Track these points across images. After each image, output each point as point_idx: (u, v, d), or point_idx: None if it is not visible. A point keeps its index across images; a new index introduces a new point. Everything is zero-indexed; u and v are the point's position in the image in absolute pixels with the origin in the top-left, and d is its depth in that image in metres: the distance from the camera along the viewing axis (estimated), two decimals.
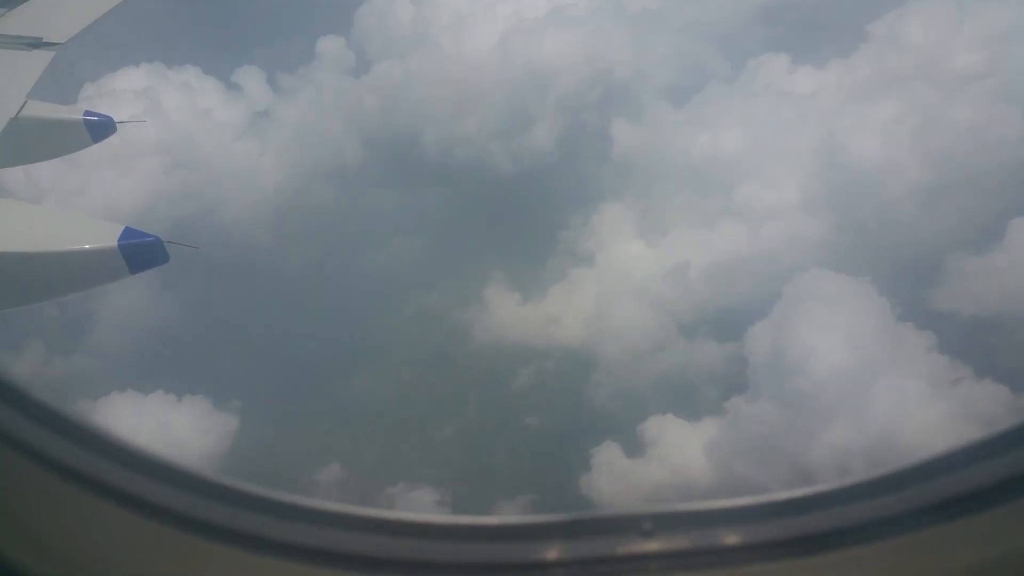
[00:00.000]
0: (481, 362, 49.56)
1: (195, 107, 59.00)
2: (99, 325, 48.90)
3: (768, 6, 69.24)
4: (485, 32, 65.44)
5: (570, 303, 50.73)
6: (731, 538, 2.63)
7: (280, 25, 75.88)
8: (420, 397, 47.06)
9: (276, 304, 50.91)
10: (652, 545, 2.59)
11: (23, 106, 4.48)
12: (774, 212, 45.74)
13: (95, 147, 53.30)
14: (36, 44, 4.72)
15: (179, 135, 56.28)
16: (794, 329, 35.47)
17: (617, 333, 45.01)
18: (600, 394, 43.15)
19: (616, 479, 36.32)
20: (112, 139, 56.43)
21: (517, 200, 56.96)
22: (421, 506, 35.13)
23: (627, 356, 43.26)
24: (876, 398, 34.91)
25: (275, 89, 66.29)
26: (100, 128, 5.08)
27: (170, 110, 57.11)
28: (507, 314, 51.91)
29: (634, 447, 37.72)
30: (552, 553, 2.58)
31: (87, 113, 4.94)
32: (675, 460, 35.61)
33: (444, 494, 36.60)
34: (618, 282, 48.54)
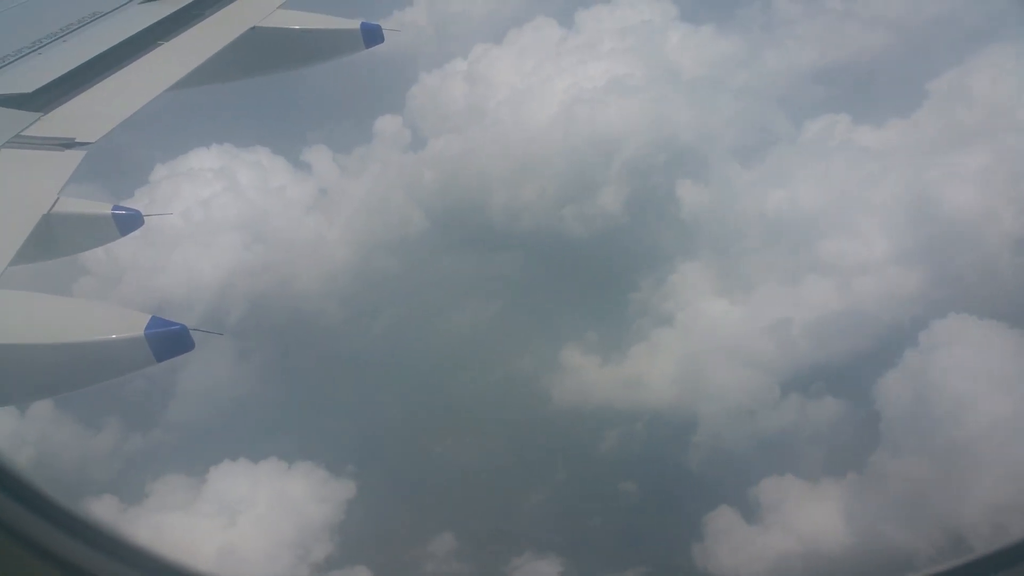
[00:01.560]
0: (564, 426, 48.59)
1: (267, 185, 60.12)
2: (178, 397, 48.81)
3: (820, 69, 70.18)
4: (544, 104, 66.65)
5: (654, 364, 49.93)
6: None
7: (335, 107, 77.72)
8: (507, 464, 46.01)
9: (355, 373, 50.45)
10: None
11: (55, 203, 4.54)
12: (864, 266, 45.17)
13: (182, 225, 54.19)
14: (68, 144, 4.84)
15: (254, 211, 57.21)
16: (934, 378, 34.16)
17: (712, 393, 44.02)
18: (701, 456, 41.89)
19: (736, 548, 34.63)
20: (193, 216, 57.36)
21: (589, 263, 56.90)
22: None
23: (727, 416, 42.17)
24: None
25: (339, 167, 67.60)
26: (128, 221, 5.21)
27: (244, 187, 58.20)
28: (587, 377, 51.11)
29: (751, 512, 36.17)
30: None
31: (115, 208, 5.14)
32: (802, 525, 33.84)
33: (567, 565, 35.08)
34: (705, 341, 47.79)
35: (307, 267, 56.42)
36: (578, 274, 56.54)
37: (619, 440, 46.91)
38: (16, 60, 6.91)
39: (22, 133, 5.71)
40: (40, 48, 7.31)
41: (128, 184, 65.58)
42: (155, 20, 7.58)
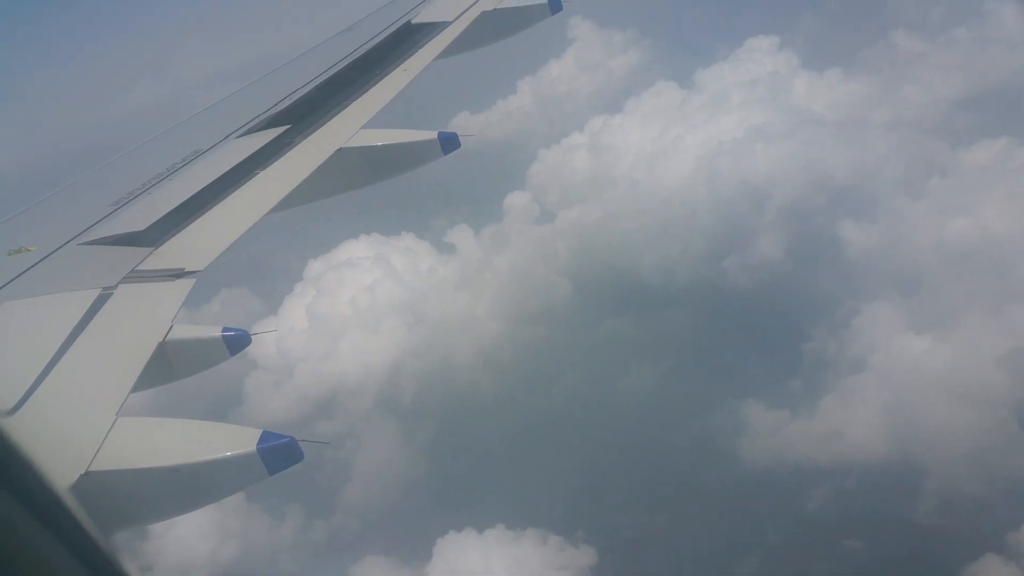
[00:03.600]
0: (763, 488, 45.28)
1: (417, 268, 60.57)
2: (355, 481, 48.13)
3: (964, 97, 67.63)
4: (680, 162, 65.87)
5: (852, 414, 46.46)
6: None
7: (463, 192, 78.71)
8: (715, 529, 42.86)
9: (535, 442, 48.69)
10: None
11: (169, 331, 3.98)
12: None
13: (347, 313, 54.61)
14: (179, 274, 4.40)
15: (410, 294, 57.50)
16: None
17: (936, 436, 40.29)
18: (940, 505, 37.98)
19: None
20: (355, 302, 57.55)
21: (757, 314, 54.25)
22: None
23: (963, 459, 38.30)
24: None
25: (480, 245, 67.83)
26: (237, 342, 4.57)
27: (398, 272, 58.71)
28: (777, 434, 47.95)
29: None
30: None
31: (225, 329, 4.39)
32: None
33: None
34: (912, 382, 44.19)
35: (465, 343, 55.83)
36: (747, 326, 53.89)
37: (830, 497, 43.37)
38: (129, 202, 7.33)
39: (137, 268, 6.01)
40: (149, 188, 7.61)
41: (282, 283, 67.67)
42: (251, 152, 7.70)
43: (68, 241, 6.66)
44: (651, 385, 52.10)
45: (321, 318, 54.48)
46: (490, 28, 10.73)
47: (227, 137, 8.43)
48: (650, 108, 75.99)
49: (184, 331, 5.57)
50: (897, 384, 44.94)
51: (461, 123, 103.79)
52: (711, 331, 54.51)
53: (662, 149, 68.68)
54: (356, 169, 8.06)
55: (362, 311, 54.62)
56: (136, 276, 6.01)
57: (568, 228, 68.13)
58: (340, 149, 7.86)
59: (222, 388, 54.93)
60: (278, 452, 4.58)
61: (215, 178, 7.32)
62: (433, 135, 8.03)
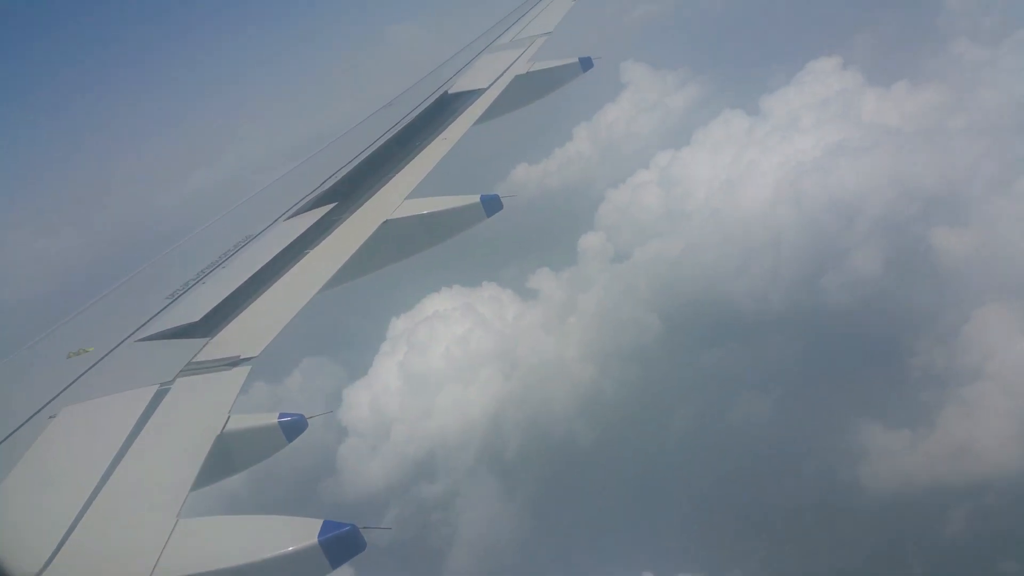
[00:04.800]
0: (893, 514, 43.08)
1: (504, 315, 60.56)
2: (461, 546, 47.44)
3: None
4: (759, 186, 64.84)
5: (977, 426, 44.25)
6: None
7: (535, 239, 78.96)
8: (857, 561, 40.87)
9: (655, 483, 47.46)
10: None
11: (226, 423, 3.63)
12: None
13: (442, 367, 54.63)
14: (234, 363, 4.11)
15: (502, 342, 57.40)
16: None
17: None
18: None
19: None
20: (448, 355, 57.56)
21: (860, 332, 52.50)
22: None
23: None
24: None
25: (561, 288, 67.63)
26: (294, 427, 4.28)
27: (486, 322, 58.73)
28: (899, 456, 45.83)
29: None
30: None
31: (281, 415, 4.08)
32: None
33: None
34: None
35: (562, 388, 55.20)
36: (852, 346, 52.13)
37: (971, 517, 41.10)
38: (184, 293, 7.31)
39: (193, 360, 5.98)
40: (203, 277, 7.61)
41: (363, 347, 68.37)
42: (300, 232, 7.83)
43: (126, 338, 6.76)
44: (761, 416, 50.57)
45: (415, 374, 54.62)
46: (525, 90, 10.95)
47: (276, 220, 8.59)
48: (718, 138, 75.69)
49: (241, 421, 5.49)
50: (1021, 388, 42.79)
51: (520, 175, 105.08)
52: (816, 354, 52.87)
53: (738, 176, 68.05)
54: (405, 239, 8.17)
55: (456, 363, 54.67)
56: (193, 368, 6.03)
57: (649, 263, 67.51)
58: (387, 221, 7.98)
59: (313, 460, 55.30)
60: (340, 543, 4.44)
61: (266, 262, 7.44)
62: (476, 199, 8.07)
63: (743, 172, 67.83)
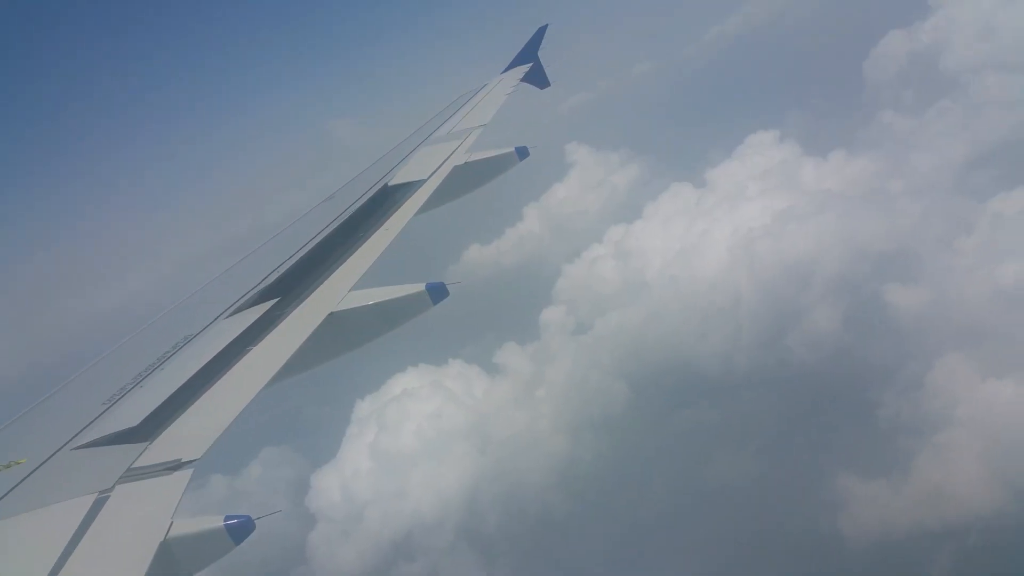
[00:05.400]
0: (879, 561, 43.37)
1: (475, 391, 60.13)
2: None
3: (971, 158, 69.87)
4: (713, 254, 66.69)
5: (951, 469, 45.11)
6: None
7: (497, 315, 79.38)
8: None
9: (629, 547, 46.77)
10: None
11: (169, 528, 4.44)
12: None
13: (413, 446, 53.54)
14: (176, 466, 4.83)
15: (473, 417, 56.73)
16: None
17: None
18: None
19: None
20: (417, 435, 56.73)
21: (826, 387, 53.71)
22: None
23: None
24: None
25: (528, 363, 67.73)
26: (240, 529, 4.97)
27: (458, 396, 58.15)
28: (877, 505, 46.20)
29: None
30: None
31: (227, 518, 4.81)
32: None
33: None
34: (1005, 426, 43.43)
35: (538, 461, 54.62)
36: (819, 401, 53.21)
37: (956, 560, 41.54)
38: (121, 397, 7.05)
39: (133, 466, 5.77)
40: (141, 381, 7.44)
41: (326, 432, 66.81)
42: (241, 330, 7.71)
43: (60, 447, 6.50)
44: (737, 475, 50.76)
45: (386, 454, 53.40)
46: (465, 180, 11.37)
47: (216, 318, 8.47)
48: (669, 210, 78.22)
49: (185, 527, 5.36)
50: (991, 431, 44.03)
51: (473, 256, 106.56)
52: (786, 411, 53.72)
53: (692, 245, 70.06)
54: (351, 331, 8.17)
55: (429, 441, 53.72)
56: (133, 474, 5.83)
57: (612, 333, 68.20)
58: (331, 313, 7.96)
59: (282, 550, 53.14)
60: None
61: (206, 362, 7.27)
62: (421, 287, 8.17)
63: (697, 241, 69.97)
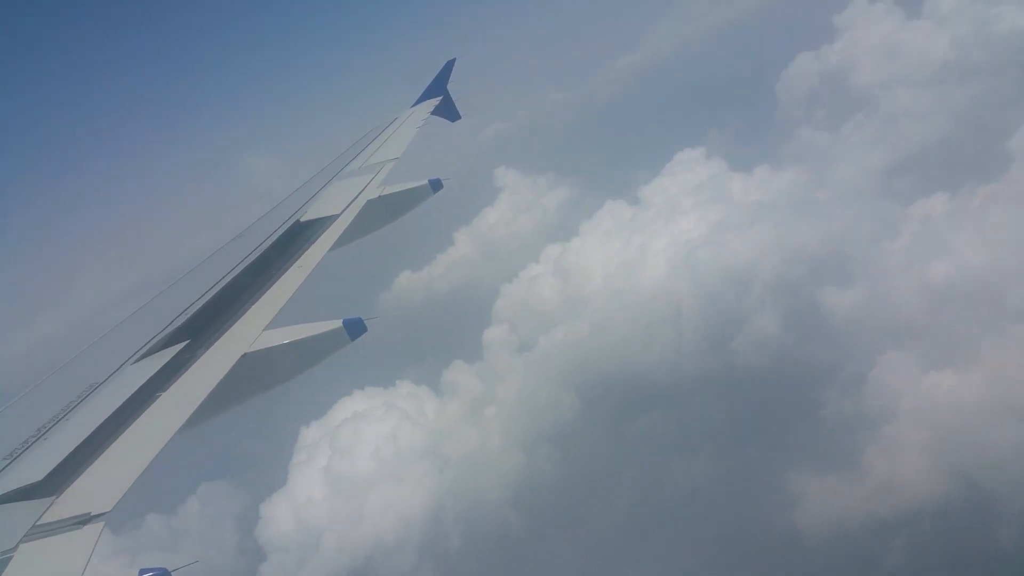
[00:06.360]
0: (837, 552, 44.43)
1: (426, 411, 59.23)
2: None
3: (890, 166, 73.57)
4: (651, 266, 68.06)
5: (900, 461, 46.67)
6: None
7: (435, 342, 78.55)
8: None
9: (600, 554, 46.61)
10: None
11: None
12: None
13: (365, 469, 51.90)
14: (85, 520, 5.32)
15: (428, 437, 55.84)
16: None
17: (992, 461, 41.04)
18: (1021, 527, 38.15)
19: None
20: (362, 462, 55.10)
21: (773, 387, 55.15)
22: None
23: None
24: None
25: (476, 381, 67.15)
26: None
27: (412, 415, 57.20)
28: (829, 501, 47.50)
29: None
30: None
31: (142, 571, 5.43)
32: None
33: None
34: (949, 415, 45.40)
35: (495, 477, 54.04)
36: (766, 402, 54.57)
37: (912, 546, 42.93)
38: (24, 451, 6.78)
39: (38, 523, 5.63)
40: (45, 433, 7.17)
41: (271, 466, 64.42)
42: (150, 375, 7.59)
43: None
44: (694, 478, 51.41)
45: (341, 478, 51.82)
46: (378, 213, 11.43)
47: (123, 365, 8.15)
48: (605, 227, 79.45)
49: None
50: (936, 421, 45.91)
51: (404, 283, 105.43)
52: (735, 413, 54.88)
53: (631, 258, 71.26)
54: (267, 371, 8.01)
55: (386, 462, 52.45)
56: (38, 531, 5.60)
57: (558, 348, 68.40)
58: (245, 354, 7.75)
59: None
60: None
61: (113, 410, 6.99)
62: (338, 323, 8.10)
63: (636, 255, 71.23)
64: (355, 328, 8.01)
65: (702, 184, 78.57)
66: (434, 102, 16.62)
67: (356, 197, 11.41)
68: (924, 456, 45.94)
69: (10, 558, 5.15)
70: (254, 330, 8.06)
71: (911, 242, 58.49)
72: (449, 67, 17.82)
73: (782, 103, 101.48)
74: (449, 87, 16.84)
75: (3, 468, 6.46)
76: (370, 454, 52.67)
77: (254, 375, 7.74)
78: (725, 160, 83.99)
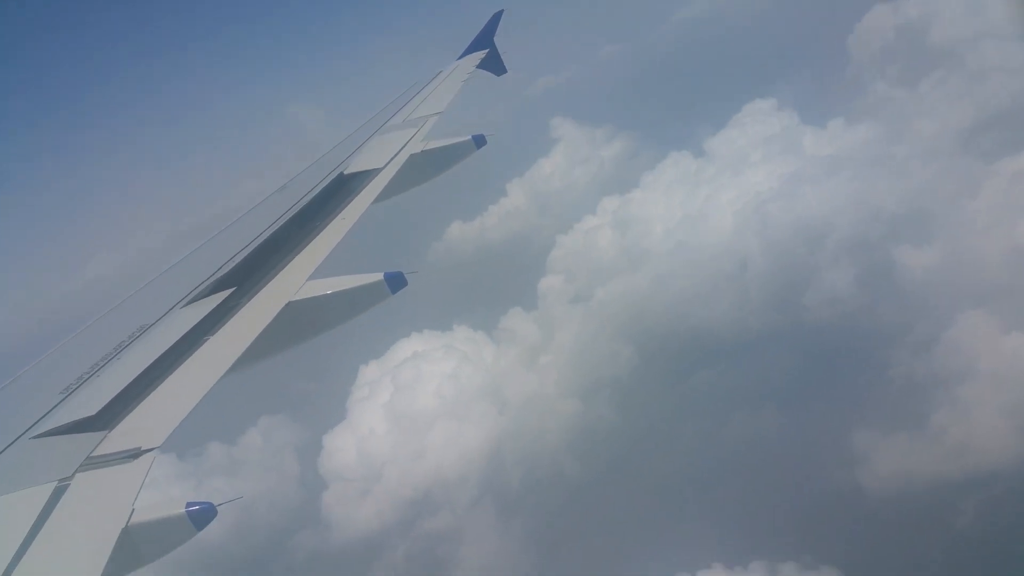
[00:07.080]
0: (904, 512, 43.64)
1: (481, 354, 59.51)
2: None
3: (973, 124, 70.65)
4: (718, 220, 66.74)
5: (973, 423, 45.65)
6: None
7: (492, 288, 78.30)
8: (886, 564, 40.93)
9: (658, 504, 46.54)
10: None
11: (130, 516, 4.49)
12: None
13: (432, 406, 52.73)
14: (136, 454, 4.92)
15: (489, 379, 56.24)
16: None
17: None
18: None
19: None
20: (428, 398, 56.02)
21: (843, 344, 53.92)
22: None
23: None
24: None
25: (532, 329, 66.94)
26: (202, 516, 5.07)
27: (472, 358, 57.59)
28: (898, 459, 46.59)
29: None
30: None
31: (188, 504, 4.86)
32: None
33: None
34: None
35: (556, 422, 54.13)
36: (836, 359, 53.37)
37: (981, 509, 41.94)
38: (79, 386, 7.06)
39: (92, 455, 5.82)
40: (98, 370, 7.40)
41: (329, 404, 65.42)
42: (198, 319, 7.73)
43: (19, 436, 6.40)
44: (756, 434, 50.76)
45: (403, 414, 52.50)
46: (421, 168, 11.37)
47: (172, 308, 8.34)
48: (668, 179, 77.86)
49: (147, 513, 5.29)
50: (1017, 382, 44.50)
51: (455, 233, 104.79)
52: (802, 370, 53.84)
53: (696, 211, 69.91)
54: (309, 320, 8.09)
55: (447, 401, 52.92)
56: (92, 462, 5.75)
57: (616, 300, 67.77)
58: (289, 303, 7.87)
59: (295, 511, 52.33)
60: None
61: (163, 351, 7.18)
62: (379, 276, 8.13)
63: (701, 207, 69.83)
64: (396, 281, 8.07)
65: (773, 137, 76.41)
66: (480, 55, 16.30)
67: (399, 151, 11.42)
68: (1001, 418, 44.65)
69: (67, 486, 5.39)
70: (299, 279, 8.24)
71: (995, 200, 56.17)
72: (496, 19, 17.33)
73: (855, 57, 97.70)
74: (496, 40, 16.40)
75: (59, 402, 6.72)
76: (431, 392, 53.22)
77: (299, 323, 7.89)
78: (797, 113, 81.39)
